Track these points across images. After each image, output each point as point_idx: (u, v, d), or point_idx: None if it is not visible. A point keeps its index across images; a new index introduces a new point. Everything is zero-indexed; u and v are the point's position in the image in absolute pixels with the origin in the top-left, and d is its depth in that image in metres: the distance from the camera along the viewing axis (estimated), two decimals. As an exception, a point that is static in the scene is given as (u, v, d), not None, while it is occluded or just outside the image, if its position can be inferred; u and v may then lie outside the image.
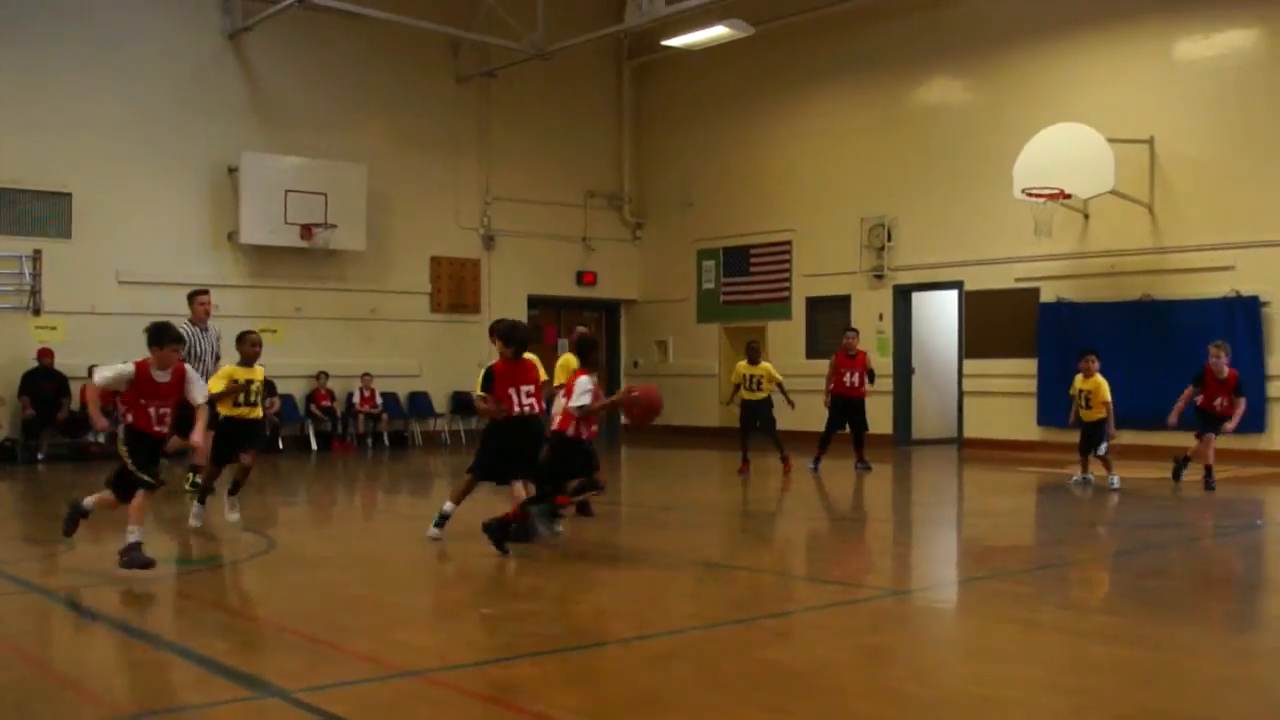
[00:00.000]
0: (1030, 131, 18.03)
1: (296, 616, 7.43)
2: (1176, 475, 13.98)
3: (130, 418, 8.69)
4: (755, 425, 16.40)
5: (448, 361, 22.95)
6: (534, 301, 24.59)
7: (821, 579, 8.79)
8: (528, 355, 9.93)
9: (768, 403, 16.36)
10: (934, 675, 6.12)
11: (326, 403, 21.22)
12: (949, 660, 6.56)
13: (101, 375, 8.72)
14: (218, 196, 20.68)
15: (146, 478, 8.62)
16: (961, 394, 20.76)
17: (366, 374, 21.56)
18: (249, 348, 11.49)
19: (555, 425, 9.44)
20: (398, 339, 22.55)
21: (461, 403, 22.37)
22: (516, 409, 9.61)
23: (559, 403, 9.79)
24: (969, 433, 20.50)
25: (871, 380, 16.80)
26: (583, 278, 25.24)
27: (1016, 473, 16.59)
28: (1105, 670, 6.05)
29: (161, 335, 8.76)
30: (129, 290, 19.69)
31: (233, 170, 20.54)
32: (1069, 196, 17.68)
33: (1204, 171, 17.71)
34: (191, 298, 13.92)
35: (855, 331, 16.91)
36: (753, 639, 6.79)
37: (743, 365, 16.62)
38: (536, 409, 9.72)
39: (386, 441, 21.70)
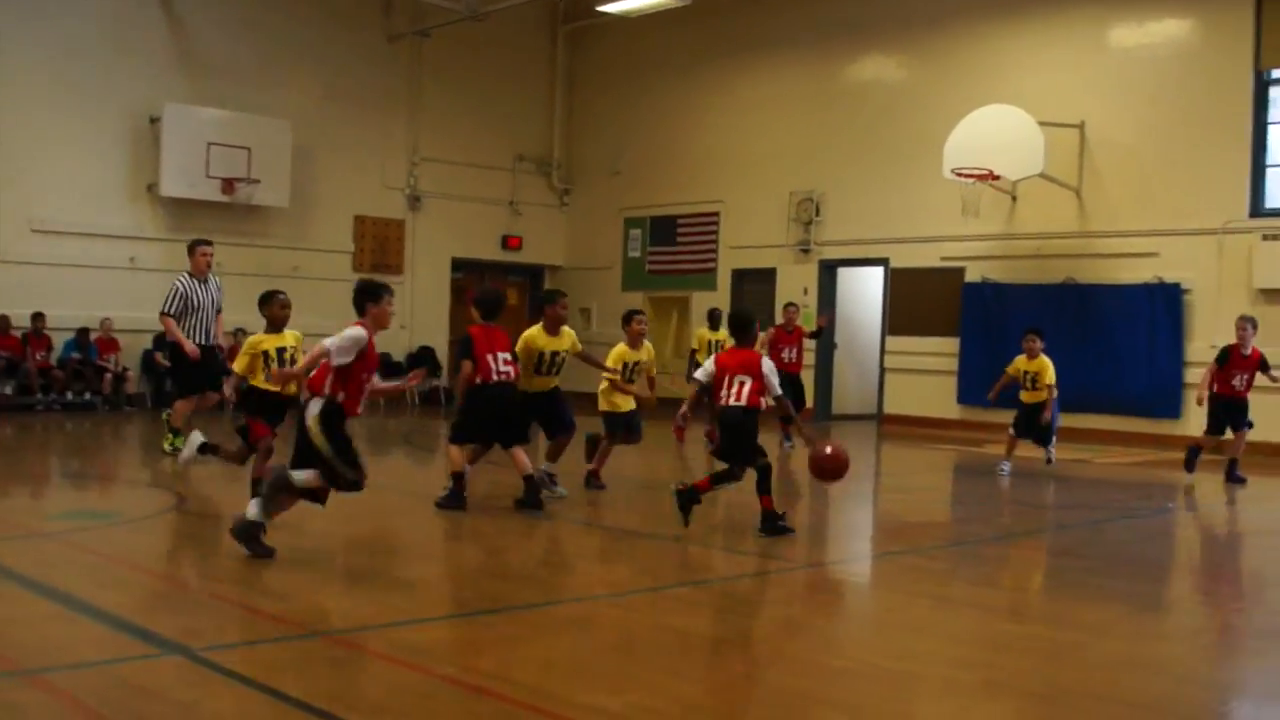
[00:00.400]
0: (962, 112, 18.12)
1: (207, 576, 7.33)
2: (1189, 466, 13.23)
3: (341, 395, 7.31)
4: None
5: (370, 322, 22.65)
6: (458, 264, 24.39)
7: (737, 550, 8.80)
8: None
9: None
10: (845, 647, 6.15)
11: (240, 358, 20.87)
12: (860, 633, 6.61)
13: (339, 348, 7.23)
14: (138, 147, 20.24)
15: (353, 476, 7.35)
16: (883, 370, 20.91)
17: (287, 332, 21.24)
18: (277, 310, 9.94)
19: (747, 402, 8.90)
20: (319, 298, 22.18)
21: (422, 360, 22.04)
22: (495, 376, 9.66)
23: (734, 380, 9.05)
24: (889, 409, 20.66)
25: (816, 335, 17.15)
26: (508, 242, 25.06)
27: (935, 450, 16.74)
28: (1015, 647, 6.11)
29: (382, 289, 7.59)
30: (42, 239, 19.26)
31: (154, 120, 20.11)
32: (998, 178, 17.81)
33: (1132, 158, 17.91)
34: (191, 248, 13.09)
35: (795, 306, 16.89)
36: (664, 607, 6.78)
37: (704, 331, 16.72)
38: (512, 375, 9.84)
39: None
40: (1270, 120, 17.04)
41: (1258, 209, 16.99)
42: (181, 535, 8.95)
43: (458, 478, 9.71)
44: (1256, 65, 16.89)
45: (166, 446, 12.88)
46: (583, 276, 25.44)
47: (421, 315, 23.56)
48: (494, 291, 10.29)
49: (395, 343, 23.22)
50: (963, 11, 19.93)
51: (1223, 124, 17.13)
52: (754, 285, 22.49)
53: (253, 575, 7.16)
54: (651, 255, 24.38)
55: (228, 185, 20.38)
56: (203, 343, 12.84)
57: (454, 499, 9.63)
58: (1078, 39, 18.57)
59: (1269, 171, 17.05)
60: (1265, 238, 16.53)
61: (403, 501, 10.68)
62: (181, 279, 12.92)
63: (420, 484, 12.98)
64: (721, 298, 22.93)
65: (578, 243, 25.74)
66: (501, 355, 9.74)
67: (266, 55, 21.57)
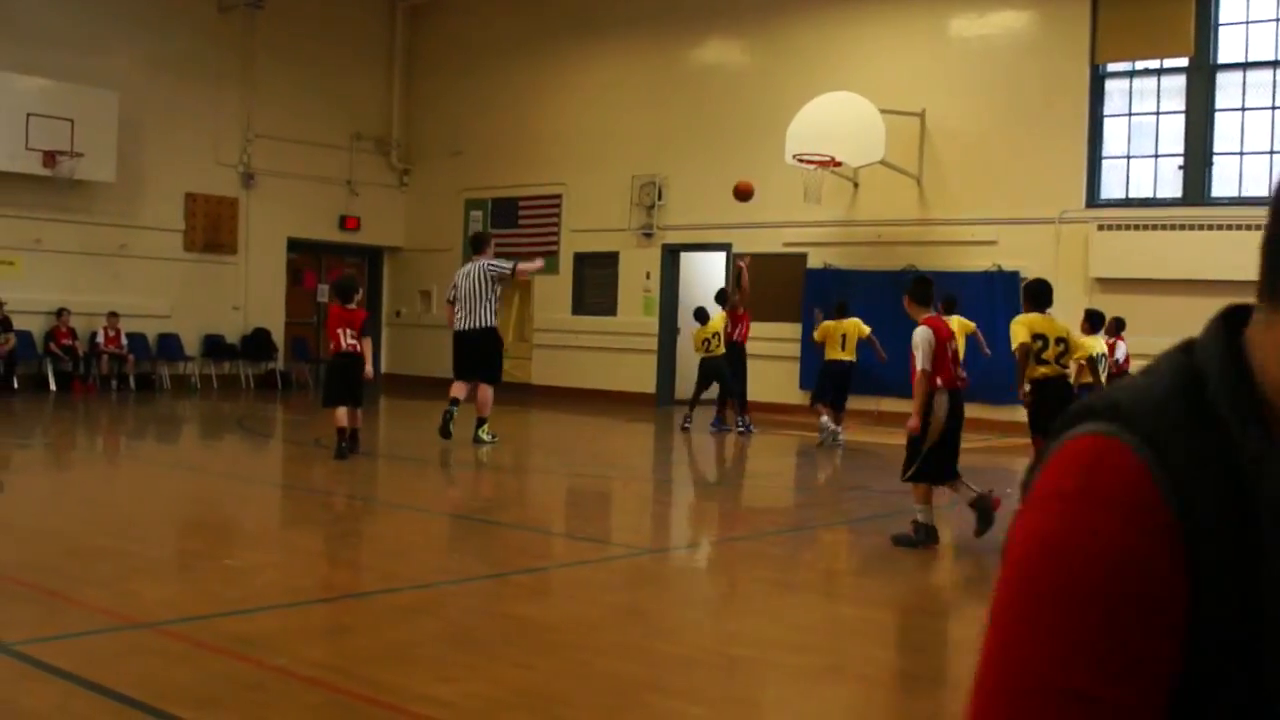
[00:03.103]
0: (804, 98, 18.29)
1: (24, 565, 7.00)
2: None
3: None
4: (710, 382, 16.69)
5: (200, 303, 22.06)
6: (294, 244, 23.83)
7: (577, 536, 8.76)
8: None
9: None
10: (684, 633, 6.15)
11: (67, 341, 20.13)
12: (700, 619, 6.61)
13: None
14: (-48, 116, 19.35)
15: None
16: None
17: (113, 313, 20.50)
18: None
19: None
20: (147, 277, 21.52)
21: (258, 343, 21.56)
22: (344, 345, 11.77)
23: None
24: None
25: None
26: (346, 222, 24.57)
27: (776, 435, 16.91)
28: (855, 631, 6.18)
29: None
30: None
31: (-31, 89, 19.23)
32: (839, 165, 18.03)
33: (971, 147, 18.30)
34: None
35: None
36: (503, 594, 6.71)
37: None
38: (358, 348, 11.82)
39: (132, 384, 20.72)
40: (1106, 113, 17.56)
41: (1094, 199, 17.51)
42: (-3, 523, 8.56)
43: (339, 432, 11.71)
44: (1093, 59, 17.38)
45: (485, 436, 13.62)
46: (423, 258, 25.12)
47: (256, 297, 22.98)
48: (347, 278, 12.58)
49: (229, 324, 22.65)
50: (805, -1, 20.15)
51: (1060, 116, 17.59)
52: (596, 269, 22.46)
53: (73, 565, 6.88)
54: (494, 237, 24.14)
55: (49, 158, 19.53)
56: None
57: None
58: (919, 28, 18.91)
59: (1104, 163, 17.57)
60: (1100, 228, 17.05)
61: (235, 487, 10.39)
62: None
63: (254, 470, 12.68)
64: (564, 282, 22.86)
65: (417, 224, 25.39)
66: (349, 330, 11.79)
67: (92, 21, 20.72)
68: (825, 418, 14.95)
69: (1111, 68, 17.50)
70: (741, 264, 17.35)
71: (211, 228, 22.45)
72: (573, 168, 22.77)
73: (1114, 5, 17.17)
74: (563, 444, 15.06)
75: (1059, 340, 9.37)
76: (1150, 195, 17.21)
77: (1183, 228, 16.57)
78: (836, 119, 17.66)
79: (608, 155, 22.16)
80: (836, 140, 17.62)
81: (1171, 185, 17.07)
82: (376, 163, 25.04)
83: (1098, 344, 12.89)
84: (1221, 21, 16.71)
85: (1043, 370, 9.29)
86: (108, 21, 20.86)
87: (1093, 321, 13.56)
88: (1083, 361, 13.22)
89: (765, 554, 8.43)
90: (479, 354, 13.72)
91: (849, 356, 14.86)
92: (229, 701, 4.62)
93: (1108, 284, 16.95)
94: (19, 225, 19.83)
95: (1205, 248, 16.34)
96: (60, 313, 20.08)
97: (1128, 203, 17.32)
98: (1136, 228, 16.86)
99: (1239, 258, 16.18)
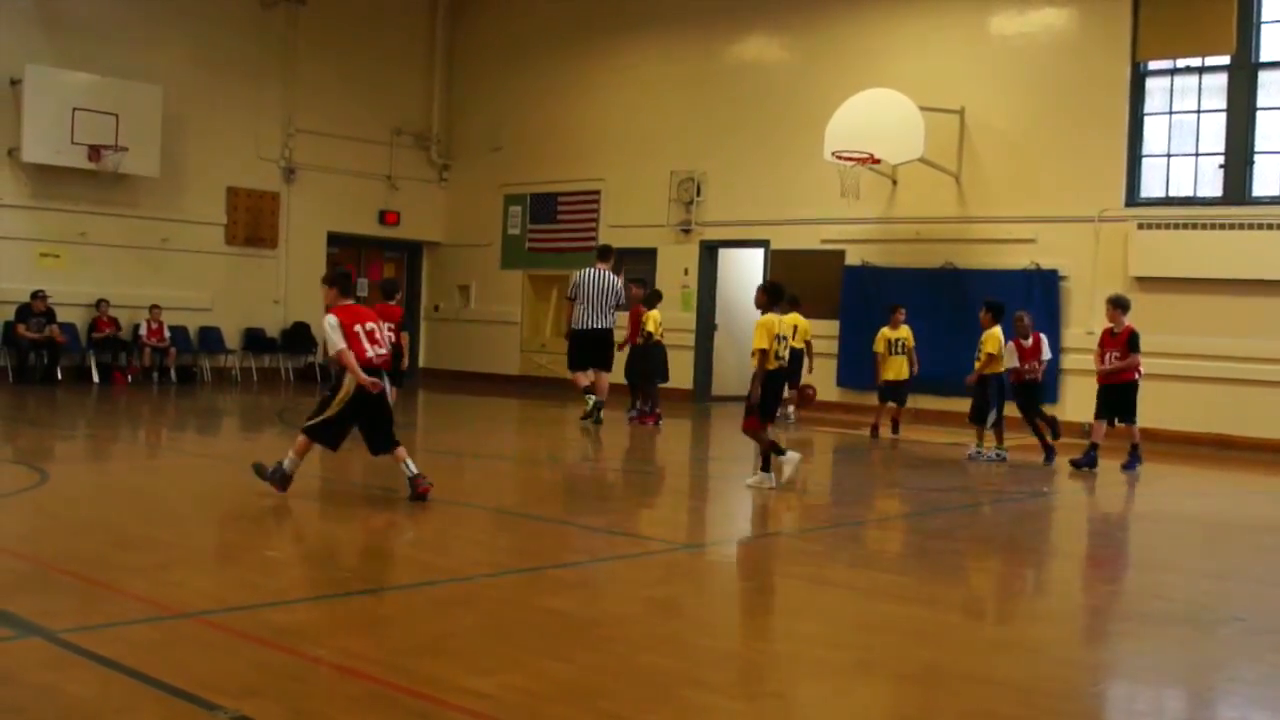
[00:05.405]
0: (843, 95, 18.25)
1: (68, 556, 7.10)
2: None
3: None
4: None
5: (241, 296, 22.25)
6: (334, 239, 23.98)
7: (614, 531, 8.79)
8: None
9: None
10: (720, 629, 6.17)
11: (109, 331, 20.32)
12: (736, 614, 6.63)
13: None
14: (-2, 110, 19.57)
15: None
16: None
17: (155, 305, 20.70)
18: None
19: None
20: (189, 271, 21.71)
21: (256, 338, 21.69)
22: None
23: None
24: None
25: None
26: (385, 217, 24.69)
27: (814, 432, 16.88)
28: (889, 628, 6.18)
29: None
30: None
31: (15, 82, 19.37)
32: (878, 162, 17.98)
33: (1011, 145, 18.20)
34: None
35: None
36: (540, 588, 6.74)
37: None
38: (395, 338, 12.27)
39: (174, 376, 20.92)
40: (1146, 111, 17.42)
41: (1133, 198, 17.38)
42: (44, 514, 8.66)
43: None
44: (1134, 56, 17.24)
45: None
46: (462, 253, 25.21)
47: (296, 291, 23.11)
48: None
49: (269, 318, 22.82)
50: (845, -5, 20.09)
51: (1100, 114, 17.47)
52: (634, 265, 22.45)
53: (116, 555, 6.96)
54: (531, 233, 24.23)
55: (94, 153, 19.74)
56: None
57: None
58: (959, 25, 18.81)
59: (1145, 161, 17.43)
60: (1140, 226, 16.92)
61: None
62: None
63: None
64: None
65: (456, 219, 25.48)
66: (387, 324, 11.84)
67: (136, 17, 20.92)
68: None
69: (1152, 66, 17.36)
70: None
71: (252, 222, 22.61)
72: (611, 163, 22.78)
73: (1155, 3, 17.04)
74: (607, 439, 15.06)
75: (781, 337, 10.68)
76: (1191, 194, 17.06)
77: (1223, 227, 16.44)
78: (876, 116, 17.60)
79: (647, 151, 22.17)
80: (875, 137, 17.56)
81: (1212, 184, 16.92)
82: (416, 158, 25.14)
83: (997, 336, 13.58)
84: (1264, 20, 16.56)
85: (774, 365, 10.61)
86: (152, 17, 21.06)
87: (994, 313, 13.76)
88: (993, 353, 13.36)
89: (801, 549, 8.44)
90: (602, 348, 16.12)
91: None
92: (269, 691, 4.67)
93: (1147, 283, 16.83)
94: (64, 219, 20.06)
95: (1246, 247, 16.21)
96: (99, 304, 20.27)
97: (1168, 201, 17.18)
98: (1176, 227, 16.72)
99: (1280, 257, 16.09)
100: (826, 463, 14.40)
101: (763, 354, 10.47)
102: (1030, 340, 13.76)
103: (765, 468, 10.65)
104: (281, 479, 8.92)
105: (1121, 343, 13.20)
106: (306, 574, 6.92)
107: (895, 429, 16.10)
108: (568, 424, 16.16)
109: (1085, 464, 12.97)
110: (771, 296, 10.79)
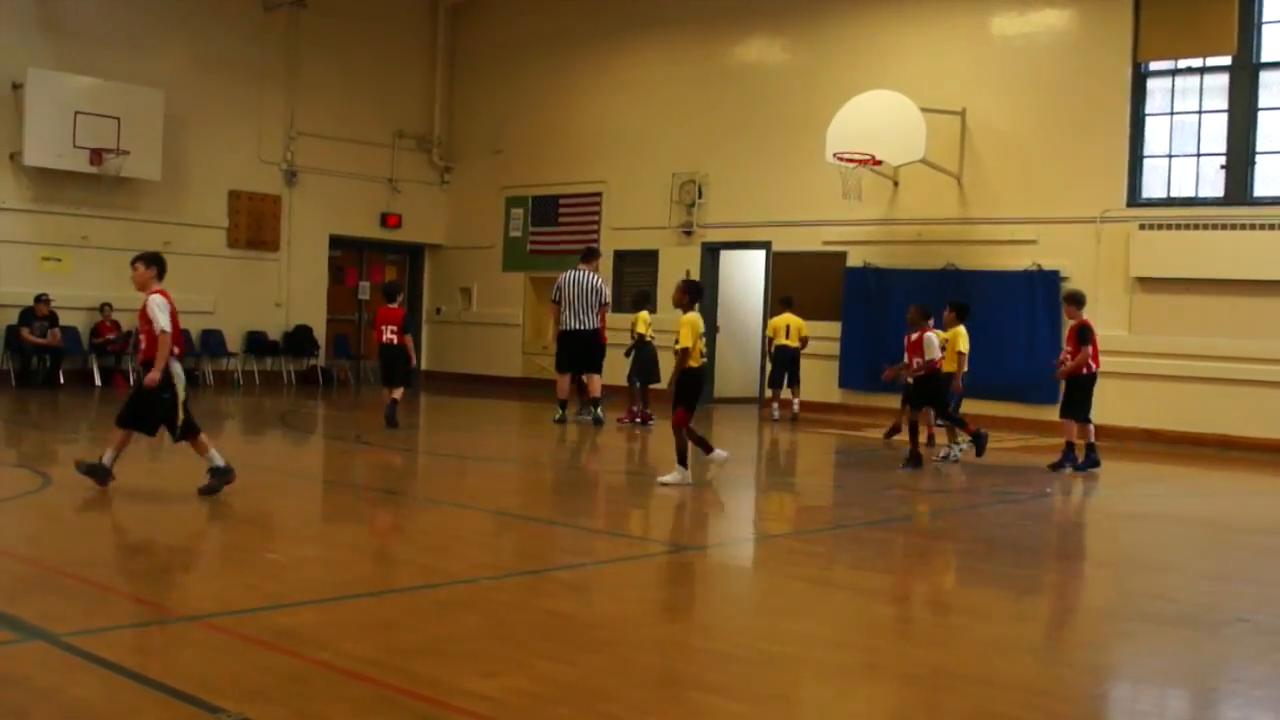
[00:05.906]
0: (845, 96, 18.25)
1: (72, 559, 7.10)
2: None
3: None
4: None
5: (243, 299, 22.26)
6: (336, 241, 24.00)
7: (616, 533, 8.79)
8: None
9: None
10: (723, 631, 6.17)
11: (111, 334, 20.33)
12: (738, 616, 6.63)
13: None
14: (0, 114, 19.56)
15: None
16: (765, 354, 21.00)
17: (157, 309, 20.68)
18: None
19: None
20: (191, 274, 21.65)
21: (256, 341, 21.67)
22: (385, 338, 14.62)
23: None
24: (770, 393, 20.76)
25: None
26: (387, 220, 24.71)
27: (816, 434, 16.89)
28: (893, 630, 6.18)
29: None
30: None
31: (17, 86, 19.40)
32: (880, 163, 17.98)
33: (1013, 146, 18.20)
34: None
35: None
36: (543, 590, 6.75)
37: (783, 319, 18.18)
38: (397, 340, 14.56)
39: (176, 379, 20.85)
40: (1148, 112, 17.42)
41: (1135, 199, 17.38)
42: (47, 517, 8.67)
43: (390, 404, 14.49)
44: (1135, 57, 17.24)
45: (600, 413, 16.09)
46: (463, 256, 25.23)
47: (298, 294, 23.14)
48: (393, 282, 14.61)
49: (272, 321, 22.82)
50: (846, -3, 20.10)
51: (1101, 114, 17.48)
52: (636, 267, 22.48)
53: (119, 558, 6.97)
54: (533, 235, 24.24)
55: (96, 156, 19.76)
56: None
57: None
58: (960, 27, 18.81)
59: (1146, 162, 17.43)
60: (1142, 227, 16.93)
61: (277, 481, 10.48)
62: None
63: (296, 465, 12.78)
64: (604, 280, 22.84)
65: (458, 221, 25.49)
66: (390, 326, 14.61)
67: (138, 21, 20.94)
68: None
69: (1154, 66, 17.36)
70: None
71: (254, 225, 22.62)
72: (613, 166, 22.80)
73: (1156, 4, 17.04)
74: (605, 441, 15.07)
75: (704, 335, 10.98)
76: (1192, 195, 17.07)
77: (1225, 227, 16.44)
78: (877, 117, 17.61)
79: (648, 153, 22.18)
80: (877, 139, 17.57)
81: (1213, 185, 16.92)
82: (418, 160, 25.15)
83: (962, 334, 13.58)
84: (1265, 20, 16.57)
85: (697, 362, 10.84)
86: (154, 21, 21.07)
87: (958, 311, 13.75)
88: (960, 351, 13.32)
89: (804, 551, 8.44)
90: (588, 350, 16.47)
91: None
92: (272, 694, 4.67)
93: (1149, 284, 16.84)
94: (66, 222, 20.08)
95: (1247, 248, 16.21)
96: (102, 307, 20.29)
97: (1169, 202, 17.18)
98: (1178, 227, 16.73)
99: (1281, 258, 16.08)
100: (828, 464, 14.41)
101: (684, 352, 10.69)
102: (916, 335, 13.23)
103: (682, 462, 10.77)
104: (219, 475, 9.17)
105: (1072, 337, 13.15)
106: (308, 576, 6.92)
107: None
108: (569, 426, 16.15)
109: (1088, 465, 12.98)
110: (692, 295, 11.09)
